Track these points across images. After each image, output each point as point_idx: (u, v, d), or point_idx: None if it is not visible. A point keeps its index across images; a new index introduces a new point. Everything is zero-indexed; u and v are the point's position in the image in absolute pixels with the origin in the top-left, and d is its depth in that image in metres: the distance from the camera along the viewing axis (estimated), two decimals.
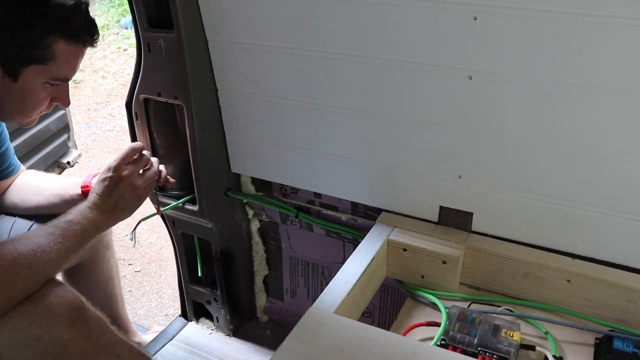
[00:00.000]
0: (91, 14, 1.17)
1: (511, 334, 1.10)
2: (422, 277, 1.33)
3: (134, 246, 2.68)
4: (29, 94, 1.14)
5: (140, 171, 1.27)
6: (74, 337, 1.07)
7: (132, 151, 1.26)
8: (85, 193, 1.36)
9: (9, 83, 1.11)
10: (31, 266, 1.05)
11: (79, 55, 1.17)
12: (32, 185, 1.46)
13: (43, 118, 2.88)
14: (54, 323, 1.05)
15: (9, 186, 1.46)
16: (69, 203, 1.35)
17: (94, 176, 1.36)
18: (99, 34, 1.19)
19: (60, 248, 1.10)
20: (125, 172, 1.23)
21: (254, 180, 1.68)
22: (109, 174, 1.22)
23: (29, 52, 1.08)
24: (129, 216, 1.26)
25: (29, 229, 1.41)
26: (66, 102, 1.22)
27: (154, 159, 1.32)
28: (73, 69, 1.18)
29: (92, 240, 1.19)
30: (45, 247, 1.08)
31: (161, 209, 1.59)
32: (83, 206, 1.19)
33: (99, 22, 6.31)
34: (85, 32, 1.15)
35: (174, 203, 1.61)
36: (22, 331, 1.03)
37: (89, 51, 1.21)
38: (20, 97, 1.14)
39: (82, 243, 1.16)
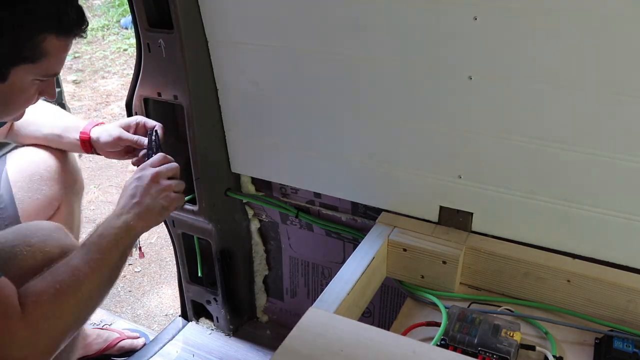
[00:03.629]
0: (89, 13, 1.14)
1: (511, 334, 1.10)
2: (422, 277, 1.33)
3: (136, 250, 2.68)
4: (18, 92, 1.09)
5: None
6: None
7: (167, 165, 1.24)
8: (83, 140, 1.41)
9: None
10: (76, 292, 1.00)
11: (69, 47, 1.12)
12: (32, 121, 1.45)
13: None
14: None
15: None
16: (67, 146, 1.45)
17: (95, 125, 1.42)
18: (88, 22, 1.14)
19: (99, 264, 1.06)
20: (153, 173, 1.19)
21: (254, 180, 1.68)
22: (139, 179, 1.19)
23: (18, 52, 1.02)
24: (160, 220, 1.20)
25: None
26: (53, 95, 1.17)
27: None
28: (62, 62, 1.13)
29: (130, 246, 1.15)
30: (84, 268, 1.03)
31: None
32: (111, 216, 1.15)
33: (99, 23, 6.34)
34: (77, 25, 1.08)
35: None
36: None
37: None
38: (9, 97, 1.09)
39: (118, 252, 1.11)
